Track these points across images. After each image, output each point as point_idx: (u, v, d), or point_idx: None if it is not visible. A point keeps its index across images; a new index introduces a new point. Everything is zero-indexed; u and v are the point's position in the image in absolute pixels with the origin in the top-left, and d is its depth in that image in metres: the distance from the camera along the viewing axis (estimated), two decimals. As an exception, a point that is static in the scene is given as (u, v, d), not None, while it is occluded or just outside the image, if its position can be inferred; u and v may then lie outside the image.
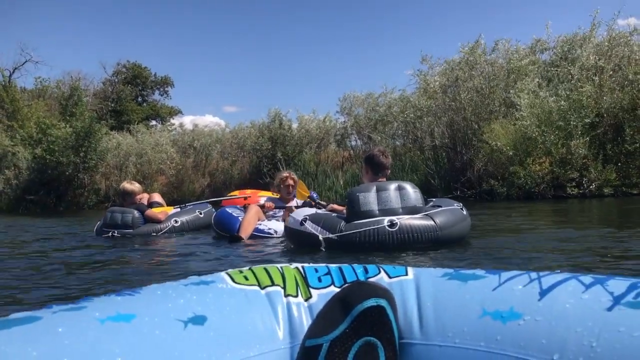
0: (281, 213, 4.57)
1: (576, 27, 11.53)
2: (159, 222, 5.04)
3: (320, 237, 3.19)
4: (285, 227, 3.64)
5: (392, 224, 3.10)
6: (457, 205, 3.49)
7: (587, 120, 9.06)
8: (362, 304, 0.79)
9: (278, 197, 4.92)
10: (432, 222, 3.15)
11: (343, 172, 13.40)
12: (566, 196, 8.62)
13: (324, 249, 3.21)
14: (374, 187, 3.26)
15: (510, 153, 9.31)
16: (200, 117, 44.19)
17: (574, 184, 8.76)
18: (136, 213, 4.96)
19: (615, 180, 8.73)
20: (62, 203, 17.01)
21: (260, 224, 4.28)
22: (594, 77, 9.77)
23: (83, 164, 16.68)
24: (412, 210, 3.21)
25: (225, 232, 4.34)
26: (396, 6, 43.45)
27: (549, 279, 0.80)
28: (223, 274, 0.93)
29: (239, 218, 4.39)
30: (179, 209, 5.60)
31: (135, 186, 5.21)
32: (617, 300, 0.70)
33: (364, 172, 3.59)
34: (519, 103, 9.52)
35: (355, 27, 45.95)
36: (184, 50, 48.25)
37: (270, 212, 4.60)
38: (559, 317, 0.71)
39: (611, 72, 9.81)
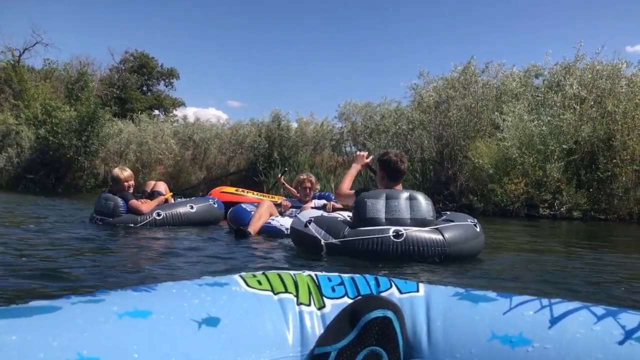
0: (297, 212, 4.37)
1: (569, 55, 11.74)
2: (140, 213, 4.60)
3: (322, 242, 2.99)
4: (291, 227, 3.44)
5: (397, 235, 2.88)
6: (470, 221, 3.22)
7: (565, 147, 9.30)
8: (369, 314, 0.80)
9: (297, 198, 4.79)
10: (440, 237, 2.92)
11: (335, 176, 13.50)
12: (538, 216, 8.82)
13: (324, 254, 2.99)
14: (384, 194, 3.05)
15: (491, 171, 9.51)
16: (203, 110, 43.96)
17: (546, 205, 8.97)
18: (119, 201, 4.57)
19: (585, 205, 8.96)
20: (61, 184, 16.90)
21: (273, 220, 4.19)
22: (575, 106, 10.01)
23: (84, 147, 16.60)
24: (421, 223, 2.98)
25: (237, 226, 4.23)
26: (405, 18, 43.66)
27: (561, 307, 0.77)
28: (237, 276, 0.90)
29: (252, 213, 4.27)
30: (178, 200, 5.21)
31: (122, 173, 4.74)
32: (629, 334, 0.67)
33: (379, 176, 3.34)
34: (502, 125, 9.73)
35: (363, 33, 46.07)
36: (192, 42, 47.96)
37: (287, 212, 4.50)
38: (568, 347, 0.69)
39: (592, 103, 10.06)
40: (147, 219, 4.61)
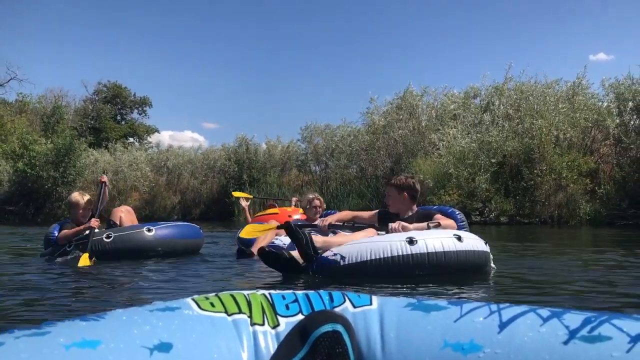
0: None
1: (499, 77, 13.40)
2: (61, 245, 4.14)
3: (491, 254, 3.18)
4: (457, 252, 2.88)
5: None
6: None
7: (494, 160, 10.80)
8: (318, 329, 0.81)
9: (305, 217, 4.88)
10: None
11: (300, 194, 14.72)
12: (470, 223, 10.09)
13: (493, 269, 3.16)
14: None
15: (431, 184, 10.93)
16: (179, 133, 44.62)
17: (477, 212, 10.41)
18: (49, 234, 4.23)
19: (511, 211, 10.43)
20: (40, 214, 17.65)
21: (276, 239, 4.28)
22: (504, 124, 11.56)
23: (62, 178, 17.47)
24: None
25: (245, 246, 4.40)
26: (371, 38, 45.76)
27: (509, 311, 0.80)
28: (189, 300, 0.90)
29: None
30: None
31: (81, 198, 4.36)
32: (572, 334, 0.71)
33: (403, 198, 3.42)
34: (437, 144, 11.22)
35: (333, 55, 47.84)
36: (164, 67, 48.71)
37: None
38: (517, 350, 0.71)
39: (517, 120, 11.62)
40: (58, 251, 4.13)
